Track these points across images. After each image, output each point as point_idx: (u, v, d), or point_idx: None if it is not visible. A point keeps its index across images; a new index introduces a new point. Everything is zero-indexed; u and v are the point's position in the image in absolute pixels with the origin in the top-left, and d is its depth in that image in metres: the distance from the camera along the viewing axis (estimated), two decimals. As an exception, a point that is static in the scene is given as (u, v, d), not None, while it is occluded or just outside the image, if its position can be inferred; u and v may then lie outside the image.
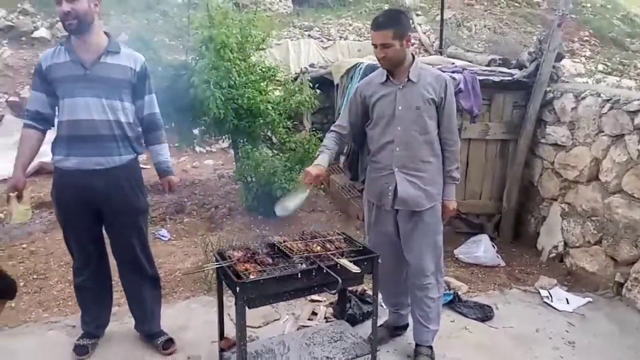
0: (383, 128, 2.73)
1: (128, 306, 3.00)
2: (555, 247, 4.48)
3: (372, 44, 2.66)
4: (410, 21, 2.75)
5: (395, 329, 3.16)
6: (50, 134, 2.68)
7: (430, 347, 2.91)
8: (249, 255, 2.47)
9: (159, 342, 2.92)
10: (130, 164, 2.71)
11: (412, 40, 2.72)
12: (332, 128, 2.91)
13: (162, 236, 4.76)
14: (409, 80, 2.65)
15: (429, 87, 2.64)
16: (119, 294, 3.14)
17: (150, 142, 2.86)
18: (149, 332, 2.96)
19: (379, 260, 2.57)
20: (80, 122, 2.52)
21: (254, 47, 5.76)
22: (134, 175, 2.74)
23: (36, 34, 9.06)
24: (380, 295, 2.99)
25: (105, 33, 2.64)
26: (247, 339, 2.37)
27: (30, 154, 2.65)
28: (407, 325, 3.16)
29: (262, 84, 5.47)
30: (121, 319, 3.21)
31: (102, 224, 2.77)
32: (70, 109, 2.53)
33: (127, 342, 3.01)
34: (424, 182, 2.70)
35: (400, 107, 2.66)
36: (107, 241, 2.87)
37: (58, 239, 4.62)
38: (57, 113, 2.61)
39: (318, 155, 2.79)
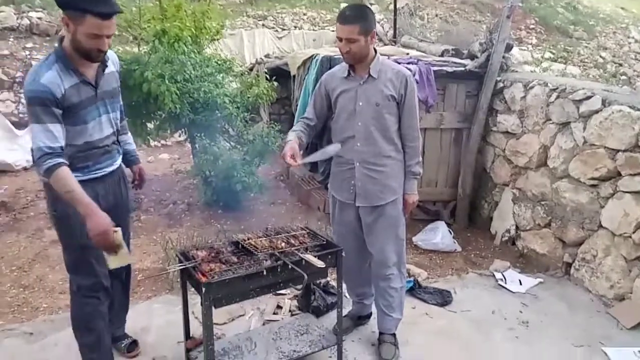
0: (344, 122, 2.77)
1: None
2: (508, 230, 4.67)
3: (337, 37, 2.64)
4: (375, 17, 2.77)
5: (359, 319, 3.24)
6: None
7: (394, 335, 2.99)
8: (213, 254, 2.46)
9: (122, 345, 2.87)
10: (121, 164, 2.67)
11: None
12: (299, 118, 2.93)
13: (120, 235, 4.65)
14: (369, 76, 2.68)
15: (389, 84, 2.67)
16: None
17: (120, 132, 2.71)
18: (113, 335, 2.90)
19: (343, 254, 2.62)
20: (94, 142, 2.39)
21: (208, 38, 5.66)
22: (125, 174, 2.70)
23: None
24: (344, 286, 3.06)
25: None
26: (213, 337, 2.38)
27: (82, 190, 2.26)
28: (371, 314, 3.24)
29: (218, 76, 5.38)
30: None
31: None
32: (88, 132, 2.35)
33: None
34: (385, 176, 2.75)
35: (360, 103, 2.70)
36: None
37: (9, 243, 4.46)
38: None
39: (287, 135, 2.80)
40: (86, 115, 2.31)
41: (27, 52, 8.57)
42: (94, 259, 2.41)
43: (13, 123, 7.38)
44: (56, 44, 2.31)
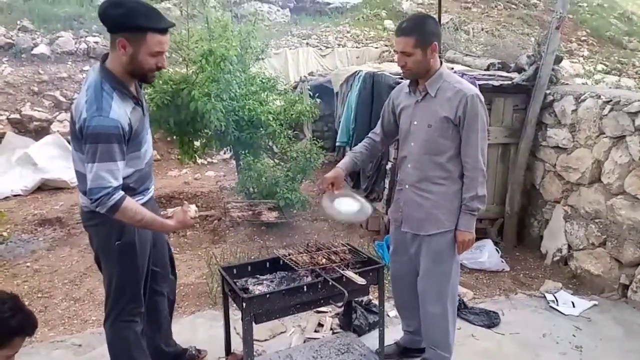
0: (402, 142, 2.66)
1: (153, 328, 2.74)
2: (559, 250, 4.47)
3: (394, 50, 2.55)
4: (439, 27, 2.56)
5: (407, 350, 2.99)
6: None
7: None
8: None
9: (192, 354, 2.90)
10: None
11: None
12: (368, 134, 2.87)
13: (166, 250, 4.75)
14: (427, 93, 2.50)
15: (445, 104, 2.44)
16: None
17: None
18: (176, 352, 2.85)
19: (385, 271, 2.57)
20: (149, 161, 2.38)
21: (253, 58, 5.79)
22: None
23: (36, 51, 9.07)
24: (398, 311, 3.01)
25: None
26: (254, 353, 2.37)
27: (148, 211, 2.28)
28: (424, 350, 2.88)
29: (262, 94, 5.49)
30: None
31: None
32: (146, 154, 2.34)
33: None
34: (431, 204, 2.55)
35: (415, 123, 2.55)
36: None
37: (62, 257, 4.64)
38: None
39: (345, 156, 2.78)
40: (142, 137, 2.28)
41: (84, 75, 9.01)
42: (142, 285, 2.42)
43: (69, 142, 7.75)
44: (96, 68, 2.19)
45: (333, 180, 2.62)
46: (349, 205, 2.61)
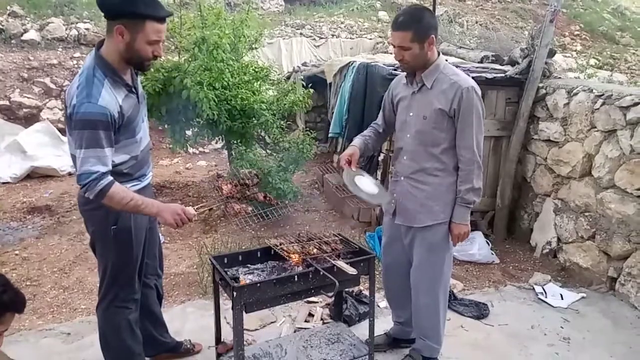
0: (398, 133, 2.66)
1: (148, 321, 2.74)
2: (549, 242, 4.50)
3: (390, 43, 2.56)
4: (435, 19, 2.51)
5: (396, 341, 3.01)
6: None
7: (424, 358, 2.79)
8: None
9: (187, 347, 2.90)
10: None
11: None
12: (371, 124, 2.87)
13: (157, 239, 4.73)
14: (423, 85, 2.49)
15: (441, 96, 2.43)
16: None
17: None
18: (169, 346, 2.85)
19: (376, 261, 2.57)
20: (145, 148, 2.37)
21: (246, 47, 5.75)
22: None
23: (26, 37, 8.94)
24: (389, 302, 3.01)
25: None
26: (244, 342, 2.37)
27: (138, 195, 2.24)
28: (414, 340, 2.91)
29: (255, 84, 5.45)
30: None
31: None
32: (141, 140, 2.32)
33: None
34: (426, 195, 2.55)
35: (411, 114, 2.55)
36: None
37: (51, 245, 4.61)
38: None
39: (354, 139, 2.78)
40: (137, 124, 2.27)
41: (75, 62, 8.90)
42: (137, 272, 2.41)
43: (59, 130, 7.68)
44: (92, 54, 2.17)
45: (350, 157, 2.60)
46: (369, 186, 2.60)
